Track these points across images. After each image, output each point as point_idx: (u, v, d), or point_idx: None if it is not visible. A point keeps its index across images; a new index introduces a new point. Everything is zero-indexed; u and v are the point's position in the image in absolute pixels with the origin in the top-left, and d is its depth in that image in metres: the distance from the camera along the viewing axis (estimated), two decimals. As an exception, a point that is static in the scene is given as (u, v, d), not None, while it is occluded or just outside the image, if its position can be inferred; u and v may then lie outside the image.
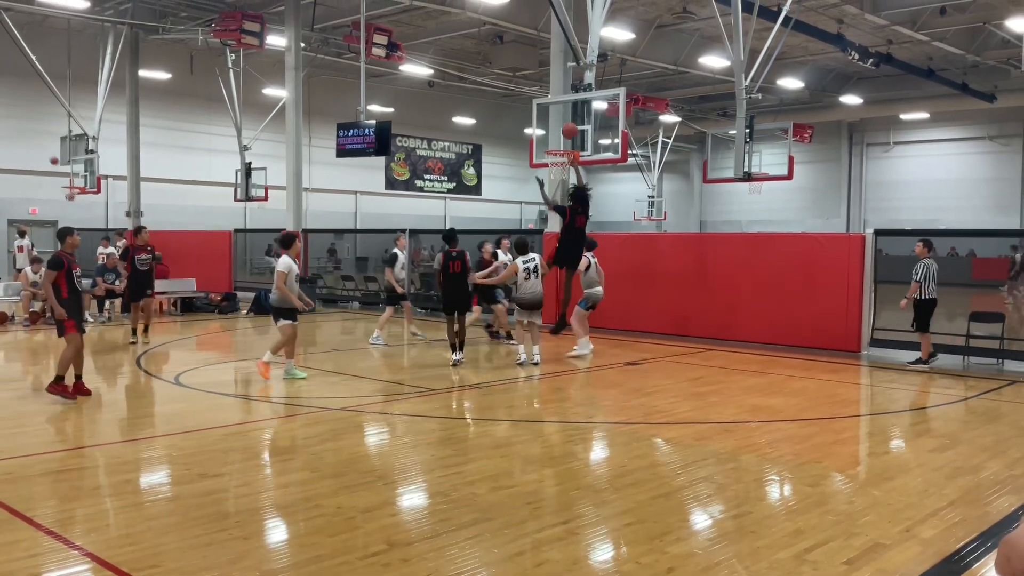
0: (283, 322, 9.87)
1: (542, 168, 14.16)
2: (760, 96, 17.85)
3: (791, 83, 29.28)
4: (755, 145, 17.14)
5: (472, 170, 41.14)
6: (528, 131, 29.57)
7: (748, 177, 16.70)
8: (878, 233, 12.83)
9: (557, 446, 7.38)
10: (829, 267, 12.86)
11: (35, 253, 18.14)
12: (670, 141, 36.75)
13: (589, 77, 13.16)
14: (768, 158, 20.30)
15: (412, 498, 5.84)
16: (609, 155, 13.65)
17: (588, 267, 12.46)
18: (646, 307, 14.80)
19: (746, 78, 16.45)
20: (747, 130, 16.39)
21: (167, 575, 4.20)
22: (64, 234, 8.91)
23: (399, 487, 6.02)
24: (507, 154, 41.68)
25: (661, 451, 7.22)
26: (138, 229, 14.25)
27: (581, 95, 13.14)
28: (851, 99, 32.28)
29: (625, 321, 14.82)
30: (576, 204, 12.07)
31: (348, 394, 9.23)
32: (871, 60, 23.48)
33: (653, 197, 39.02)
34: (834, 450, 7.23)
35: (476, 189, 41.26)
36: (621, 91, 12.81)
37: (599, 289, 12.60)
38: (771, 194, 28.57)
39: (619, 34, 23.06)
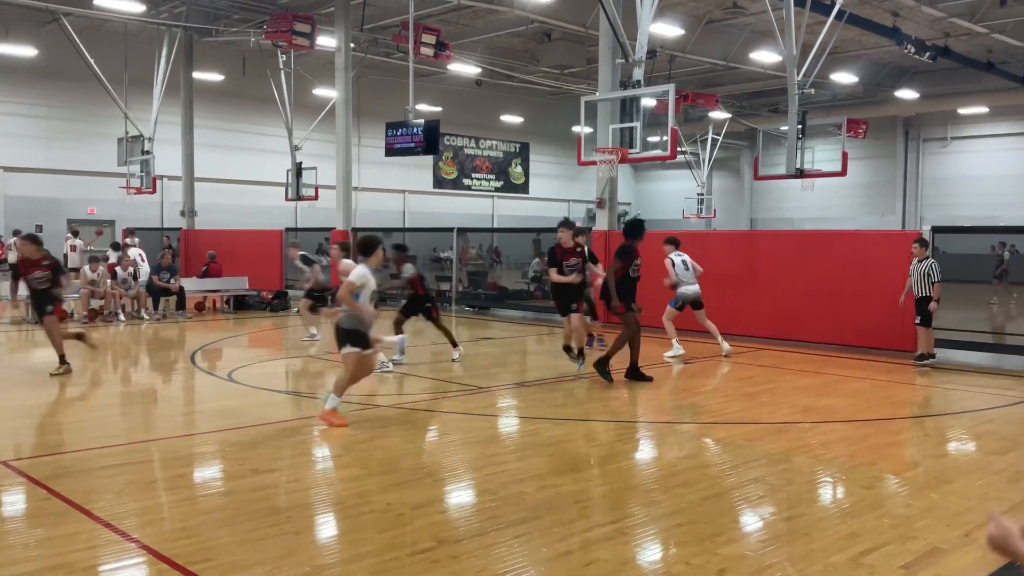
0: (349, 349, 7.55)
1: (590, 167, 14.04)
2: (812, 91, 17.51)
3: (845, 78, 28.73)
4: (807, 141, 16.83)
5: (520, 168, 41.14)
6: (576, 129, 29.47)
7: (800, 174, 16.42)
8: (935, 230, 12.51)
9: (605, 445, 7.34)
10: (884, 265, 12.58)
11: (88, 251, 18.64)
12: (720, 138, 36.31)
13: (638, 74, 13.06)
14: (821, 154, 19.92)
15: (460, 495, 5.85)
16: (658, 152, 13.52)
17: (674, 266, 12.18)
18: (695, 306, 14.62)
19: (798, 73, 16.18)
20: (799, 126, 16.11)
21: (220, 568, 4.26)
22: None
23: (447, 484, 6.04)
24: (555, 152, 41.60)
25: (711, 451, 7.13)
26: (30, 238, 10.55)
27: (629, 92, 13.04)
28: (907, 94, 31.55)
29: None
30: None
31: (397, 391, 9.28)
32: (928, 53, 22.92)
33: (702, 194, 38.61)
34: (890, 452, 7.07)
35: (524, 187, 41.25)
36: (670, 88, 12.69)
37: (694, 287, 12.23)
38: (824, 191, 28.04)
39: (668, 30, 22.85)
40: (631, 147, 12.78)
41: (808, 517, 5.25)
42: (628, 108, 13.06)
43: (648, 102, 14.23)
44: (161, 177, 26.54)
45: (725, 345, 12.20)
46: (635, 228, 10.17)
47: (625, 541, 4.81)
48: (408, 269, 11.19)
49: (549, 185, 41.79)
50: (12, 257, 24.27)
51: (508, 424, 8.06)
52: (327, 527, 5.18)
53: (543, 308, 16.94)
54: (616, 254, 9.85)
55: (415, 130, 17.32)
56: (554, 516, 5.14)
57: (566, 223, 10.67)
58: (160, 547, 4.53)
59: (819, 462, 6.63)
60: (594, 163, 13.41)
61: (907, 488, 6.03)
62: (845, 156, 18.81)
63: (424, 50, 19.95)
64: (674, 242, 12.44)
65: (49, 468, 6.04)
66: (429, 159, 35.70)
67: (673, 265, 12.17)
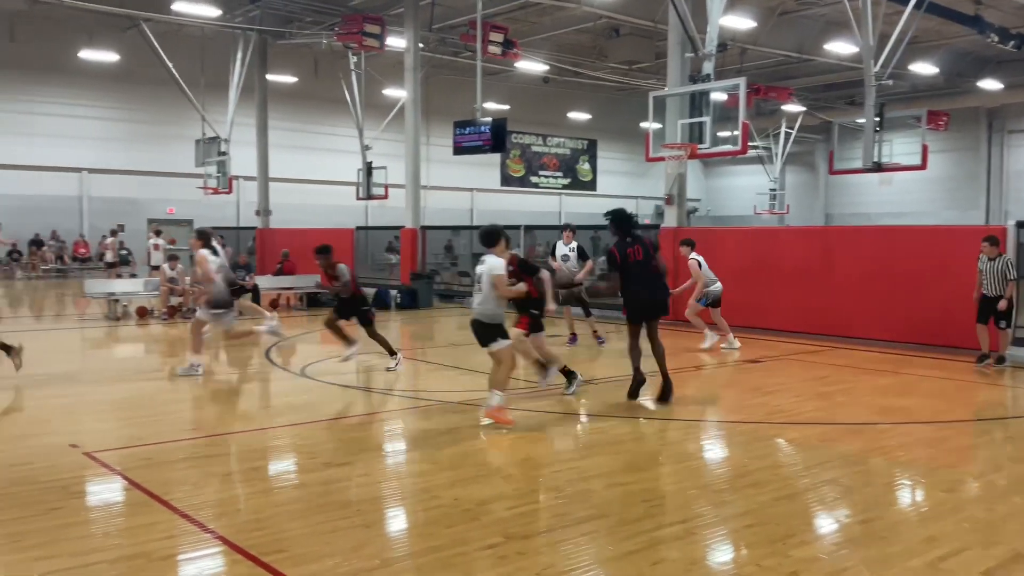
0: (501, 343, 7.51)
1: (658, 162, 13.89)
2: (891, 82, 17.03)
3: (924, 68, 27.82)
4: (885, 134, 16.39)
5: (587, 165, 40.97)
6: (644, 125, 29.21)
7: (878, 167, 15.99)
8: (1020, 225, 12.01)
9: (674, 444, 7.26)
10: (967, 262, 12.12)
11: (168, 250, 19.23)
12: (793, 131, 35.57)
13: (708, 68, 12.87)
14: (900, 147, 19.35)
15: (527, 492, 5.85)
16: (729, 147, 13.32)
17: (700, 266, 12.16)
18: (768, 303, 14.36)
19: (875, 64, 15.74)
20: (877, 118, 15.69)
21: (292, 560, 4.35)
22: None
23: (514, 481, 6.04)
24: (622, 148, 41.33)
25: (783, 452, 6.98)
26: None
27: (699, 86, 12.87)
28: (990, 84, 30.40)
29: (745, 318, 14.42)
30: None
31: (465, 388, 9.33)
32: (1012, 42, 22.04)
33: (775, 190, 37.86)
34: (972, 454, 6.82)
35: (591, 184, 41.07)
36: (741, 81, 12.47)
37: (720, 285, 12.31)
38: (903, 185, 27.20)
39: (739, 22, 22.47)
40: (701, 142, 12.61)
41: (885, 520, 5.10)
42: (697, 103, 12.89)
43: (718, 96, 14.04)
44: (237, 177, 27.24)
45: (712, 338, 12.48)
46: (624, 221, 8.56)
47: (694, 541, 4.75)
48: (343, 270, 10.52)
49: (617, 182, 41.53)
50: (110, 256, 25.23)
51: (574, 421, 8.04)
52: (396, 521, 5.24)
53: (608, 305, 16.84)
54: (609, 264, 8.52)
55: (483, 128, 17.40)
56: (621, 514, 5.11)
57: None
58: (234, 538, 4.64)
59: (897, 464, 6.44)
60: (662, 159, 13.28)
61: (990, 492, 5.81)
62: (925, 149, 18.24)
63: (492, 48, 20.03)
64: (691, 243, 12.44)
65: (131, 460, 6.25)
66: (496, 157, 35.81)
67: (700, 266, 12.15)
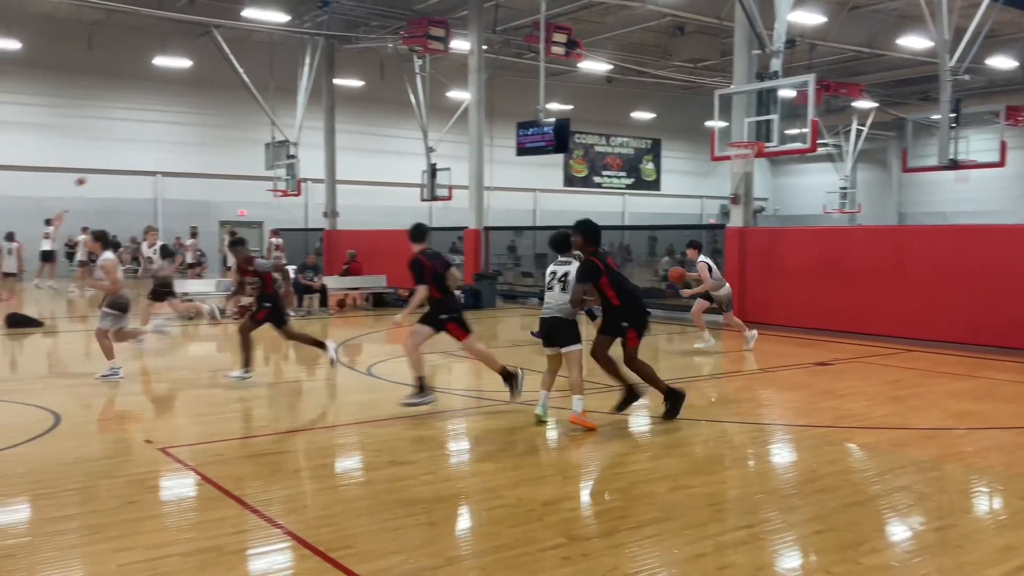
0: (577, 346, 7.49)
1: (723, 161, 13.71)
2: (967, 77, 16.49)
3: (1003, 62, 26.87)
4: (962, 130, 15.89)
5: (651, 165, 40.64)
6: (709, 123, 28.85)
7: (954, 165, 15.51)
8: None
9: (740, 447, 7.15)
10: (1049, 261, 11.68)
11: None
12: (865, 128, 34.72)
13: (775, 65, 12.66)
14: (977, 144, 18.73)
15: (591, 493, 5.83)
16: (797, 145, 13.07)
17: (711, 270, 12.11)
18: (838, 305, 14.04)
19: (951, 59, 15.26)
20: (953, 114, 15.23)
21: (359, 556, 4.41)
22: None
23: (578, 482, 6.03)
24: (687, 148, 40.89)
25: (854, 457, 6.82)
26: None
27: (767, 84, 12.66)
28: (1074, 76, 29.21)
29: (815, 319, 14.14)
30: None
31: (529, 388, 9.35)
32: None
33: (846, 188, 37.00)
34: (1055, 462, 6.56)
35: (655, 184, 40.73)
36: (810, 78, 12.23)
37: (728, 287, 12.40)
38: (980, 183, 26.32)
39: (808, 18, 22.04)
40: (768, 140, 12.41)
41: (960, 528, 4.95)
42: (765, 100, 12.69)
43: (786, 93, 13.80)
44: (305, 180, 27.78)
45: (711, 340, 12.53)
46: (595, 233, 7.63)
47: (761, 546, 4.67)
48: (263, 264, 9.84)
49: (681, 181, 41.12)
50: (189, 257, 25.99)
51: (638, 423, 7.98)
52: (460, 520, 5.28)
53: (674, 306, 16.68)
54: (578, 278, 7.35)
55: (546, 129, 17.41)
56: (686, 518, 5.05)
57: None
58: (303, 533, 4.73)
59: (973, 470, 6.24)
60: (728, 158, 13.11)
61: (1074, 502, 5.58)
62: (1004, 145, 17.63)
63: (555, 49, 20.03)
64: (698, 245, 12.41)
65: (203, 455, 6.42)
66: (559, 157, 35.80)
67: (710, 270, 12.07)
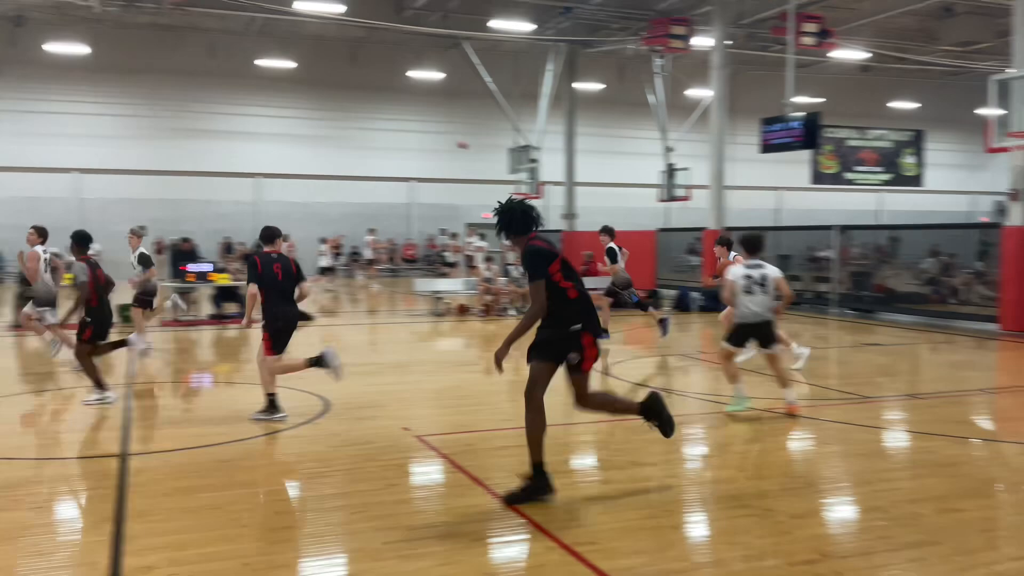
0: (778, 347, 8.17)
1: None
2: None
3: None
4: None
5: (912, 158, 37.52)
6: (982, 112, 26.24)
7: None
8: None
9: (1019, 470, 6.43)
10: None
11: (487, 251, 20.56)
12: None
13: (1065, 43, 11.26)
14: None
15: (845, 510, 5.50)
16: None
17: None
18: None
19: None
20: None
21: (603, 553, 4.45)
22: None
23: (830, 496, 5.71)
24: (954, 139, 37.47)
25: None
26: None
27: (1054, 65, 11.30)
28: None
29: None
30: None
31: (770, 395, 8.99)
32: None
33: None
34: None
35: (916, 180, 37.61)
36: (1109, 56, 10.76)
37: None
38: None
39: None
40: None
41: None
42: (1051, 83, 11.33)
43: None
44: (545, 183, 28.50)
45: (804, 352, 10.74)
46: (519, 219, 5.44)
47: (1048, 582, 4.18)
48: (79, 269, 8.31)
49: (947, 176, 37.74)
50: (454, 256, 27.54)
51: (898, 439, 7.42)
52: (703, 526, 5.17)
53: (941, 313, 15.34)
54: (526, 265, 5.37)
55: (793, 124, 16.67)
56: (955, 543, 4.63)
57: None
58: (548, 526, 4.85)
59: None
60: (1006, 149, 11.83)
61: None
62: None
63: (805, 40, 19.14)
64: (728, 243, 11.06)
65: (455, 444, 6.76)
66: (805, 154, 34.06)
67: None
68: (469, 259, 27.22)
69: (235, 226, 27.93)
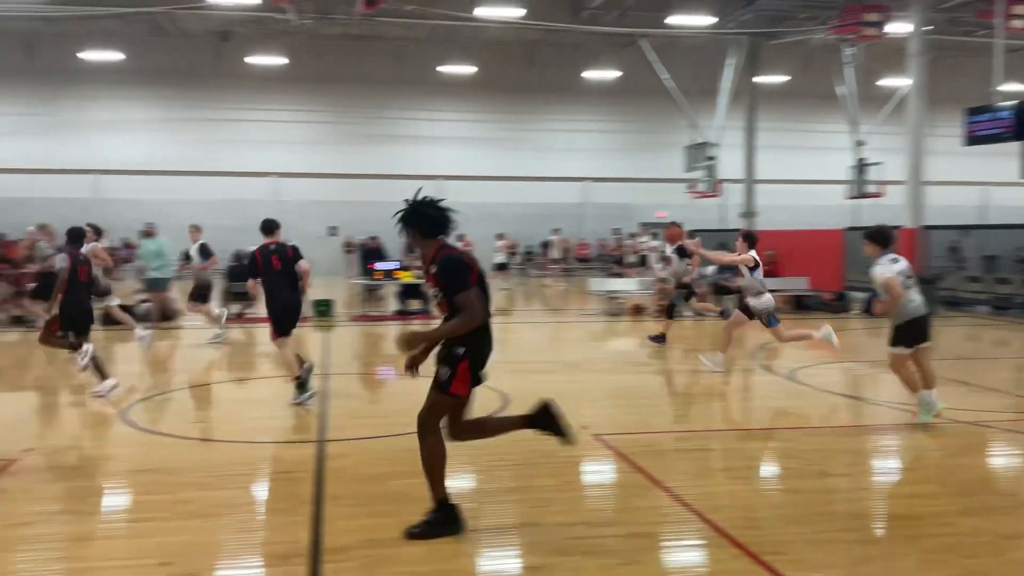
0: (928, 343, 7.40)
1: None
2: None
3: None
4: None
5: None
6: None
7: None
8: None
9: None
10: None
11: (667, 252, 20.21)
12: None
13: None
14: None
15: (1066, 534, 5.01)
16: None
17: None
18: None
19: None
20: None
21: (792, 564, 4.28)
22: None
23: (1047, 518, 5.22)
24: None
25: None
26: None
27: None
28: None
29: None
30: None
31: (978, 407, 8.33)
32: None
33: None
34: None
35: None
36: None
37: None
38: None
39: None
40: None
41: None
42: None
43: None
44: (722, 181, 27.77)
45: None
46: (431, 219, 4.76)
47: None
48: (60, 259, 8.55)
49: None
50: (634, 258, 27.50)
51: None
52: (902, 542, 4.85)
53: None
54: (448, 278, 4.66)
55: (1003, 114, 15.40)
56: None
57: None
58: (732, 532, 4.72)
59: None
60: None
61: None
62: None
63: (1015, 23, 17.59)
64: (750, 238, 9.97)
65: (633, 444, 6.71)
66: (1014, 146, 31.38)
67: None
68: (643, 259, 26.96)
69: (416, 226, 29.04)
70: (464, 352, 4.64)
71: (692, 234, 26.18)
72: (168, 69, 29.31)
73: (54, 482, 5.83)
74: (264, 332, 11.03)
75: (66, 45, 27.63)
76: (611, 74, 30.62)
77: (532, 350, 12.03)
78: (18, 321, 14.07)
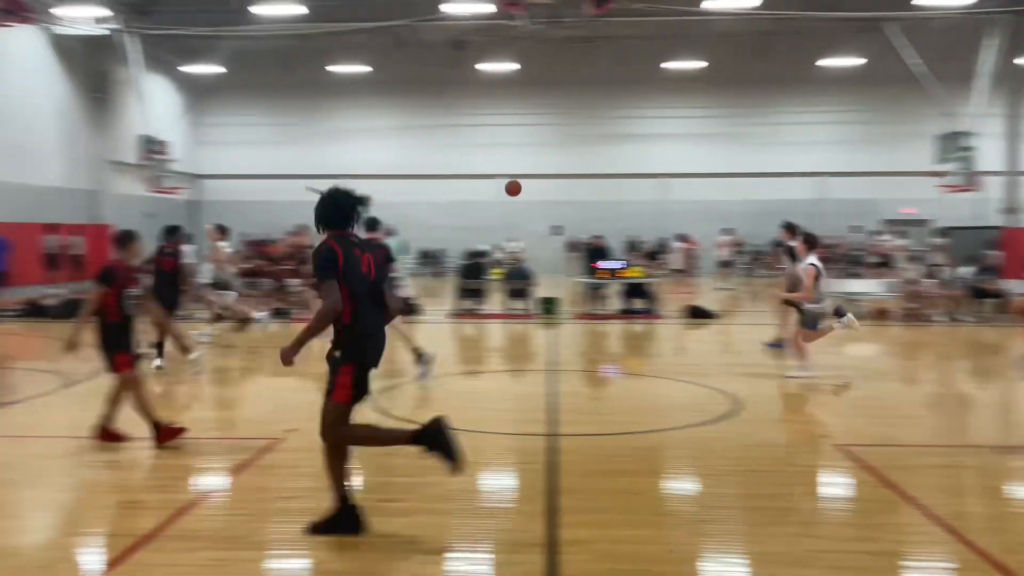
0: None
1: None
2: None
3: None
4: None
5: None
6: None
7: None
8: None
9: None
10: None
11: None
12: None
13: None
14: None
15: None
16: None
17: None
18: None
19: None
20: None
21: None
22: (127, 240, 6.96)
23: None
24: None
25: None
26: None
27: None
28: None
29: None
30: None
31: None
32: None
33: None
34: None
35: None
36: None
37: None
38: None
39: None
40: None
41: None
42: None
43: None
44: (979, 173, 25.33)
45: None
46: (333, 211, 4.66)
47: None
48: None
49: None
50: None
51: None
52: None
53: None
54: (314, 264, 4.58)
55: None
56: None
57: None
58: (999, 557, 4.30)
59: None
60: None
61: None
62: None
63: None
64: (794, 229, 9.17)
65: (879, 457, 6.27)
66: None
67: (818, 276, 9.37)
68: (885, 258, 25.18)
69: (639, 225, 29.02)
70: (340, 357, 4.52)
71: (944, 232, 24.27)
72: (408, 79, 31.13)
73: (315, 460, 6.37)
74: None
75: (318, 60, 30.07)
76: (849, 62, 28.80)
77: (757, 352, 11.57)
78: (279, 313, 15.48)
